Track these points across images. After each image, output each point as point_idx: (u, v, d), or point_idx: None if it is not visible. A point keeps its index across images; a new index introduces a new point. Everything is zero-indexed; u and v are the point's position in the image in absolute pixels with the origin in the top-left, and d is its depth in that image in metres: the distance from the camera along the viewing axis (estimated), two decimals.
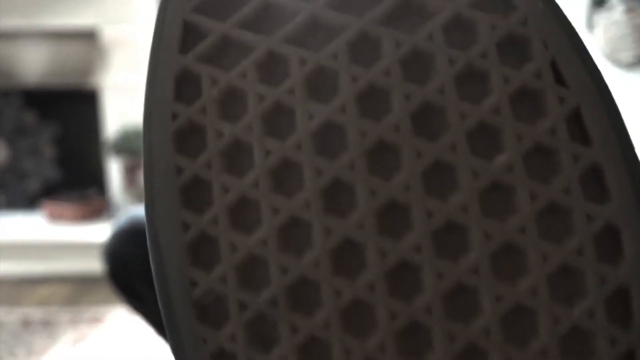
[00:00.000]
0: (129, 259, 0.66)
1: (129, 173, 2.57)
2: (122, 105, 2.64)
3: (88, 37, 2.56)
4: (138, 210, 0.71)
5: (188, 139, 0.16)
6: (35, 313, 1.99)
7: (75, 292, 2.21)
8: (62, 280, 2.33)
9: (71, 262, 2.42)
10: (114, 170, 2.72)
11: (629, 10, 0.87)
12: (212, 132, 0.16)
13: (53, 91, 2.79)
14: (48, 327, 1.88)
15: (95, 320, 1.92)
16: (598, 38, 1.00)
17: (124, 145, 2.49)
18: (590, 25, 1.04)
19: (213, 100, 0.16)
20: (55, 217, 2.61)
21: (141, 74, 2.60)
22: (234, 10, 0.17)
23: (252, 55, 0.16)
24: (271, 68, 0.16)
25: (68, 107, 2.87)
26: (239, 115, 0.16)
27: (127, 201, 2.64)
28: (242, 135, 0.16)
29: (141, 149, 2.49)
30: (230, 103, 0.16)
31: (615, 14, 0.91)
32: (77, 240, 2.41)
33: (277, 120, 0.16)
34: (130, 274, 0.66)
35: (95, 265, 2.40)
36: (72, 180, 2.88)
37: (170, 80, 0.16)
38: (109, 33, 2.51)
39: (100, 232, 2.44)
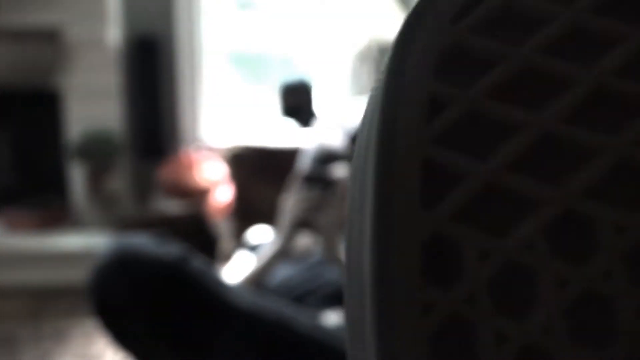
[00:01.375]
0: (117, 295, 0.61)
1: (93, 179, 2.46)
2: (86, 108, 2.53)
3: (50, 37, 2.44)
4: (123, 241, 0.66)
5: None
6: None
7: (36, 305, 2.10)
8: (22, 293, 2.21)
9: (31, 273, 2.29)
10: (77, 175, 2.60)
11: None
12: None
13: (10, 93, 2.64)
14: (7, 344, 1.77)
15: (59, 335, 1.83)
16: None
17: (88, 149, 2.39)
18: None
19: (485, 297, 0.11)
20: (13, 225, 2.47)
21: (106, 76, 2.50)
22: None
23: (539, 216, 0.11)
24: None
25: (26, 110, 2.73)
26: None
27: (91, 208, 2.53)
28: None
29: (106, 153, 2.39)
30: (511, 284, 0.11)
31: None
32: (37, 249, 2.29)
33: None
34: (119, 311, 0.61)
35: (56, 275, 2.29)
36: (31, 186, 2.73)
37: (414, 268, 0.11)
38: (72, 32, 2.41)
39: (62, 240, 2.33)
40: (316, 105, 2.30)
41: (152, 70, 2.58)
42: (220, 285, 0.66)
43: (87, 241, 2.33)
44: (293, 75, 2.38)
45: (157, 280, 0.61)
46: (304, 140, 1.79)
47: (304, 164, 1.58)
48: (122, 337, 0.62)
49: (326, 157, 1.53)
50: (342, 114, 1.83)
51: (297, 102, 2.27)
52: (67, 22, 2.38)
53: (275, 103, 2.46)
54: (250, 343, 0.61)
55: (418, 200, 0.11)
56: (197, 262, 0.67)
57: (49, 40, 2.45)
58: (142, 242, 0.66)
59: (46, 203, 2.55)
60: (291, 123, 2.25)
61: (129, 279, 0.61)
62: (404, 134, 0.12)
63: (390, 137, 0.12)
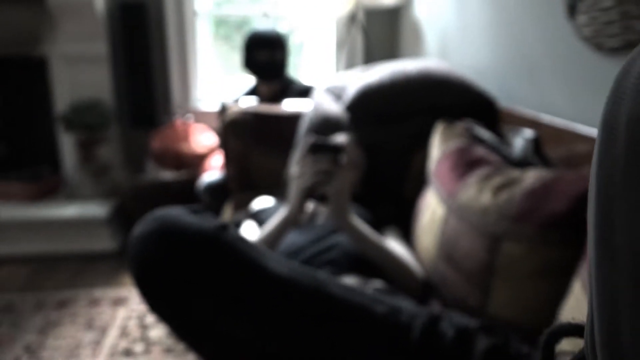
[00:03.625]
0: (159, 264, 0.62)
1: (84, 149, 2.44)
2: (74, 75, 2.48)
3: (36, 2, 2.36)
4: (161, 212, 0.66)
5: None
6: None
7: (35, 274, 2.11)
8: (19, 263, 2.21)
9: (27, 243, 2.29)
10: (67, 145, 2.57)
11: (620, 1, 0.91)
12: None
13: None
14: (9, 313, 1.79)
15: (60, 304, 1.85)
16: (580, 23, 1.04)
17: (77, 119, 2.35)
18: (572, 11, 1.08)
19: None
20: (6, 197, 2.45)
21: (93, 42, 2.45)
22: None
23: None
24: None
25: (14, 78, 2.66)
26: None
27: (83, 178, 2.51)
28: None
29: (96, 123, 2.36)
30: None
31: (605, 1, 0.95)
32: (31, 219, 2.29)
33: None
34: (163, 278, 0.62)
35: (52, 245, 2.29)
36: (22, 156, 2.70)
37: None
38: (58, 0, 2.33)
39: (56, 211, 2.33)
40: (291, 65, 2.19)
41: (141, 36, 2.53)
42: (258, 252, 0.67)
43: (81, 211, 2.33)
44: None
45: (198, 248, 0.62)
46: (302, 106, 1.79)
47: (307, 133, 1.59)
48: (164, 304, 0.63)
49: (328, 125, 1.54)
50: (330, 78, 1.82)
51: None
52: None
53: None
54: (288, 305, 0.63)
55: None
56: (234, 231, 0.68)
57: (36, 5, 2.37)
58: (180, 212, 0.67)
59: (38, 175, 2.52)
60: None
61: (171, 247, 0.62)
62: None
63: None
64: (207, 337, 0.65)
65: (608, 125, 0.25)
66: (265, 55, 2.00)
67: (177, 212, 0.66)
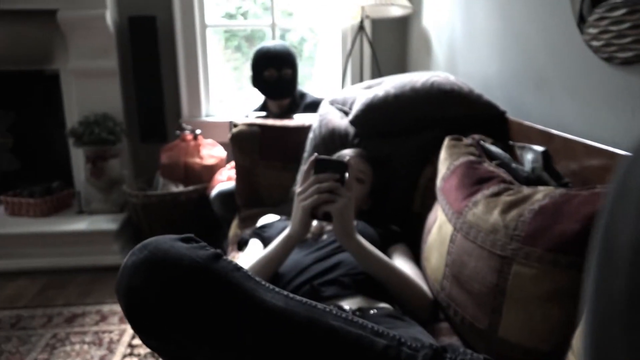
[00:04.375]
0: (147, 296, 0.60)
1: (94, 163, 2.45)
2: (85, 90, 2.50)
3: (47, 18, 2.39)
4: (151, 242, 0.64)
5: None
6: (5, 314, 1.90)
7: (45, 288, 2.12)
8: (29, 276, 2.22)
9: (37, 257, 2.31)
10: (79, 160, 2.59)
11: (632, 11, 0.88)
12: None
13: (10, 75, 2.61)
14: (19, 327, 1.79)
15: (70, 318, 1.85)
16: (590, 34, 1.01)
17: (87, 134, 2.36)
18: (582, 21, 1.05)
19: None
20: (18, 212, 2.47)
21: (104, 56, 2.47)
22: None
23: None
24: None
25: (27, 93, 2.70)
26: None
27: (94, 193, 2.52)
28: None
29: (106, 139, 2.38)
30: None
31: (616, 12, 0.92)
32: (42, 234, 2.30)
33: None
34: (151, 311, 0.59)
35: (63, 259, 2.30)
36: (34, 171, 2.72)
37: None
38: (70, 13, 2.36)
39: (67, 225, 2.34)
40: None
41: (151, 50, 2.54)
42: (253, 282, 0.65)
43: (92, 225, 2.33)
44: None
45: (188, 280, 0.60)
46: (309, 119, 1.78)
47: (313, 146, 1.57)
48: (153, 337, 0.61)
49: (335, 139, 1.53)
50: (337, 91, 1.80)
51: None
52: (65, 2, 2.33)
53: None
54: (285, 337, 0.61)
55: None
56: (228, 260, 0.65)
57: (48, 22, 2.40)
58: (172, 241, 0.65)
59: (50, 189, 2.54)
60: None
61: (160, 279, 0.60)
62: None
63: None
64: None
65: (606, 242, 0.21)
66: (273, 73, 1.98)
67: (168, 241, 0.64)
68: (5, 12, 2.38)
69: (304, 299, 0.66)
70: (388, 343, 0.63)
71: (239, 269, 0.65)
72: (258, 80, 2.01)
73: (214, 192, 1.96)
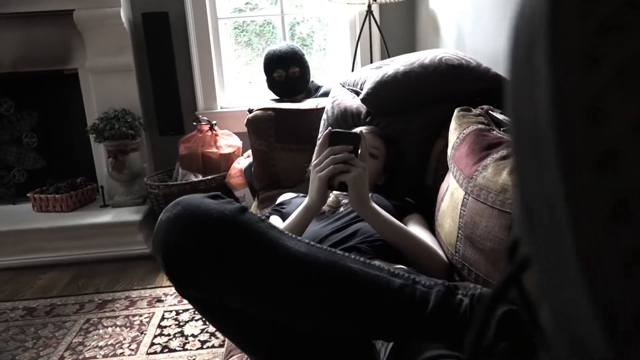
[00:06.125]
0: (182, 246, 0.65)
1: (115, 158, 2.53)
2: (104, 87, 2.58)
3: (64, 19, 2.47)
4: (183, 199, 0.70)
5: None
6: (39, 303, 1.99)
7: (76, 277, 2.20)
8: (60, 268, 2.32)
9: (67, 249, 2.39)
10: (101, 156, 2.67)
11: None
12: None
13: (31, 76, 2.69)
14: (53, 314, 1.88)
15: (101, 304, 1.93)
16: None
17: (107, 130, 2.44)
18: None
19: None
20: (45, 208, 2.56)
21: (121, 54, 2.54)
22: None
23: None
24: None
25: (48, 93, 2.78)
26: None
27: (116, 186, 2.61)
28: None
29: (126, 133, 2.45)
30: None
31: None
32: (70, 225, 2.39)
33: None
34: (187, 260, 0.65)
35: (91, 251, 2.39)
36: (58, 168, 2.82)
37: None
38: (84, 14, 2.43)
39: (93, 219, 2.42)
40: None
41: (165, 45, 2.61)
42: (276, 231, 0.70)
43: (116, 217, 2.41)
44: None
45: (219, 229, 0.65)
46: (322, 102, 1.82)
47: (325, 128, 1.62)
48: (189, 285, 0.66)
49: (347, 118, 1.57)
50: (349, 74, 1.84)
51: None
52: (80, 2, 2.40)
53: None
54: (307, 279, 0.66)
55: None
56: (253, 213, 0.71)
57: (65, 22, 2.48)
58: (200, 198, 0.70)
59: (75, 185, 2.63)
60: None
61: (193, 230, 0.65)
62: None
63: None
64: (231, 316, 0.68)
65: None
66: (281, 74, 2.06)
67: (198, 198, 0.70)
68: (23, 14, 2.46)
69: (325, 247, 0.71)
70: (404, 282, 0.68)
71: (263, 220, 0.70)
72: (271, 83, 2.10)
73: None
